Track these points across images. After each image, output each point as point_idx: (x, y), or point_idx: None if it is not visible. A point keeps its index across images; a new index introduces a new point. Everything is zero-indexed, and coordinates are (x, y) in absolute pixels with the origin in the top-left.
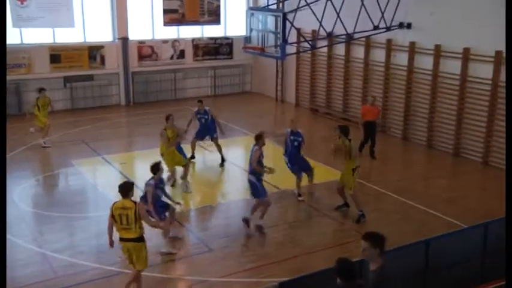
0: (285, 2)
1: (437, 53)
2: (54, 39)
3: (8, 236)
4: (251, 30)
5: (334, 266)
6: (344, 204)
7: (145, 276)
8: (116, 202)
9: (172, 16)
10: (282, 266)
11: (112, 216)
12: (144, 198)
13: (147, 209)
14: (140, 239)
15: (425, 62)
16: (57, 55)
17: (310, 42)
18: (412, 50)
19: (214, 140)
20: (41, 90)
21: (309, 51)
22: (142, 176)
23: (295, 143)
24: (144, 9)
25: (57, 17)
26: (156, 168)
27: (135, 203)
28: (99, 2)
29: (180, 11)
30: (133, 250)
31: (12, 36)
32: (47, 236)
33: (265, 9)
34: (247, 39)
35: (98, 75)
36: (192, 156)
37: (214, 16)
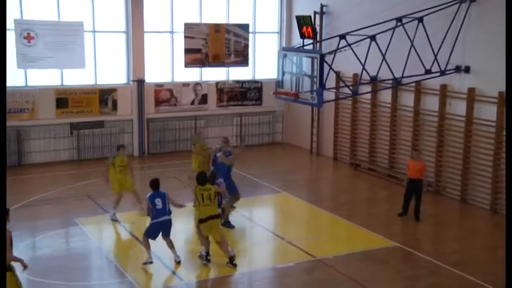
0: (323, 42)
1: (502, 101)
2: (62, 82)
3: None
4: (283, 73)
5: None
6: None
7: None
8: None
9: (195, 56)
10: None
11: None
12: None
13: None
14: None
15: (487, 112)
16: (64, 99)
17: (351, 88)
18: (472, 97)
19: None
20: (119, 147)
21: (350, 98)
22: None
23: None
24: (163, 49)
25: (66, 57)
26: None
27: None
28: (113, 40)
29: (204, 51)
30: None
31: (16, 78)
32: None
33: (300, 50)
34: (278, 83)
35: (109, 121)
36: None
37: (241, 57)
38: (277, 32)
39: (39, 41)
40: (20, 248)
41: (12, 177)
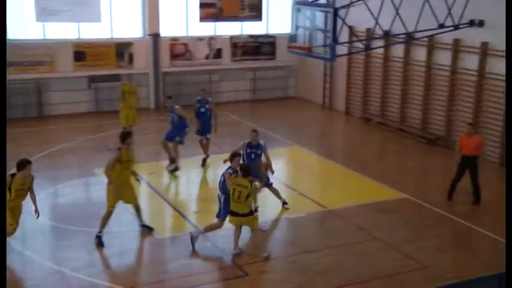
0: None
1: None
2: (79, 35)
3: (23, 251)
4: (297, 27)
5: None
6: None
7: None
8: (235, 177)
9: (209, 11)
10: None
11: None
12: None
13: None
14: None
15: (500, 67)
16: (81, 52)
17: (363, 42)
18: (485, 52)
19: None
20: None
21: (362, 53)
22: (171, 187)
23: (252, 156)
24: (178, 3)
25: (83, 11)
26: (232, 157)
27: (251, 183)
28: None
29: (218, 5)
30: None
31: (34, 31)
32: (66, 253)
33: (314, 4)
34: (292, 37)
35: (126, 75)
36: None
37: (255, 11)
38: None
39: None
40: (41, 196)
41: (33, 128)
